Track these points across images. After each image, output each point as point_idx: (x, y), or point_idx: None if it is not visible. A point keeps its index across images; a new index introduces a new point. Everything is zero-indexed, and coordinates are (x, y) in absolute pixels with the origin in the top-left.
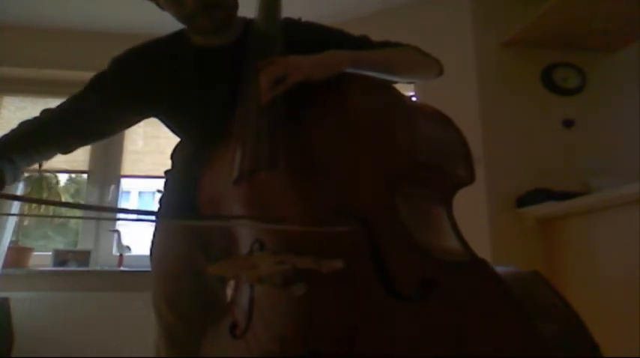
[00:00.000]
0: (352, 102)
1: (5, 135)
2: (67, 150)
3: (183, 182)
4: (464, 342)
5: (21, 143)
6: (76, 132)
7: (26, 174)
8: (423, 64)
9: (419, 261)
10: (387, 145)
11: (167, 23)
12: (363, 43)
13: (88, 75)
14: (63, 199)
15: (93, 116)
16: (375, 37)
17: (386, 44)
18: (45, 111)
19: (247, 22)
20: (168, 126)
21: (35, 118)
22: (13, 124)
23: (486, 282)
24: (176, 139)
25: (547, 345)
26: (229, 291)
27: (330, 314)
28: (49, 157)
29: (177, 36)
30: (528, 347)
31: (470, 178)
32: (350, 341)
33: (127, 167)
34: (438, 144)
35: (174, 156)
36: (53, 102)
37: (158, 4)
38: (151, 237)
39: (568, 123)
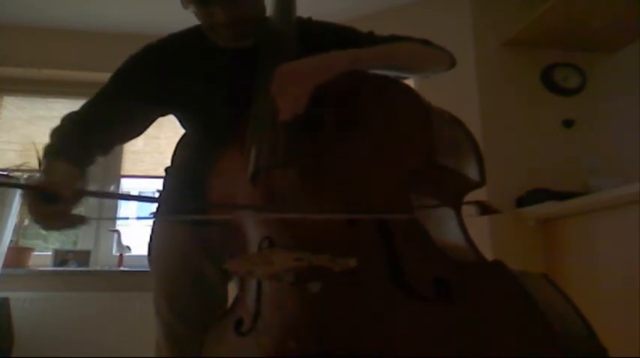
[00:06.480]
0: (370, 102)
1: (55, 144)
2: (107, 152)
3: (188, 180)
4: (480, 342)
5: (73, 150)
6: (111, 131)
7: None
8: (428, 58)
9: (434, 260)
10: (406, 145)
11: (167, 23)
12: (370, 39)
13: (87, 75)
14: None
15: (118, 114)
16: None
17: (392, 38)
18: (70, 115)
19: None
20: (182, 123)
21: (68, 126)
22: (13, 124)
23: (504, 283)
24: (176, 140)
25: (564, 345)
26: (231, 289)
27: (344, 312)
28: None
29: (194, 32)
30: (548, 347)
31: (481, 181)
32: (363, 340)
33: (126, 167)
34: (453, 146)
35: (176, 153)
36: (53, 102)
37: (182, 3)
38: (148, 235)
39: (568, 123)
